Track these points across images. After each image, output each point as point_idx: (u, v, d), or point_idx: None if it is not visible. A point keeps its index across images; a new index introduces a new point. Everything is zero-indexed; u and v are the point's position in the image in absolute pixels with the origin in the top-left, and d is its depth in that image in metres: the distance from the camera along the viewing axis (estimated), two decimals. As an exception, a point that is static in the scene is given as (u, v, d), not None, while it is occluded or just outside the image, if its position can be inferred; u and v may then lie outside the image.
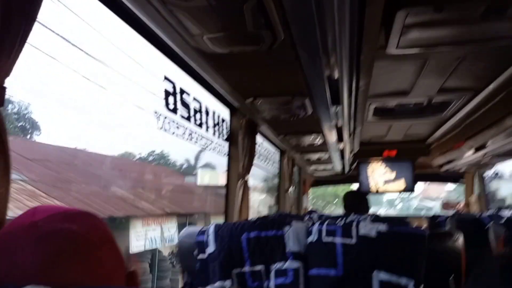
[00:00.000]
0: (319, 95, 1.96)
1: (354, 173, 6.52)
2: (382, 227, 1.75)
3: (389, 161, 6.38)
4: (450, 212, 6.95)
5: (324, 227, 1.83)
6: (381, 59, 2.47)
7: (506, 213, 3.79)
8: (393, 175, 6.49)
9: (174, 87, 4.43)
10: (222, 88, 2.13)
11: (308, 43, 1.38)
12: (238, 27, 1.31)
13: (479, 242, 3.32)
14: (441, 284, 1.77)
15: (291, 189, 5.13)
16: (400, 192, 6.67)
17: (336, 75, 1.76)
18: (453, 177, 6.65)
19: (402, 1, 1.73)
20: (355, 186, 6.75)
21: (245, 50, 1.51)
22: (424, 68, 2.82)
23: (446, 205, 7.33)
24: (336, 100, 2.07)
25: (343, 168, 5.53)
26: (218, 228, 1.92)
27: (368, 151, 6.01)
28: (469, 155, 4.64)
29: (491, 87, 3.13)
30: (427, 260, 1.67)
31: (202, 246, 1.90)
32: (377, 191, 6.75)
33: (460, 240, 1.75)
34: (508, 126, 3.14)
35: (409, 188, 6.52)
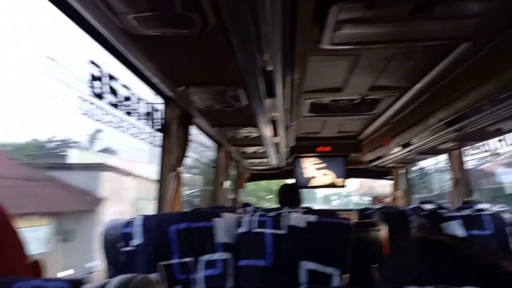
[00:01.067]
0: (253, 86, 1.94)
1: (290, 168, 6.64)
2: (312, 218, 1.77)
3: (323, 157, 6.56)
4: (379, 205, 7.34)
5: (255, 218, 1.82)
6: (316, 54, 2.51)
7: (427, 206, 4.04)
8: (327, 170, 6.69)
9: (100, 72, 4.16)
10: (153, 75, 2.04)
11: (240, 30, 1.34)
12: (166, 8, 1.24)
13: (402, 232, 3.52)
14: (367, 271, 1.83)
15: (227, 182, 5.10)
16: (333, 187, 6.89)
17: (270, 66, 1.74)
18: (381, 172, 6.98)
19: None
20: (290, 181, 6.86)
21: (175, 33, 1.44)
22: (357, 66, 2.90)
23: (376, 199, 7.72)
24: (271, 92, 2.06)
25: (279, 162, 5.59)
26: (146, 219, 1.84)
27: (303, 146, 6.14)
28: (396, 152, 4.89)
29: (418, 86, 3.31)
30: (353, 249, 1.71)
31: (128, 238, 1.81)
32: (312, 186, 6.93)
33: (383, 230, 1.82)
34: (431, 124, 3.33)
35: (342, 183, 6.77)
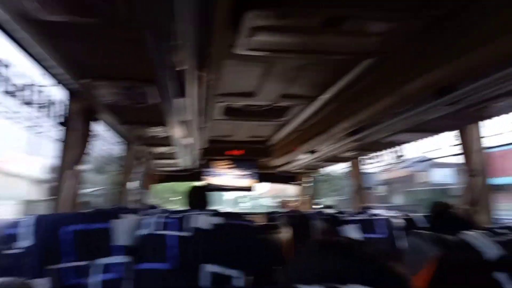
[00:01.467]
0: (165, 84, 1.88)
1: (200, 170, 6.59)
2: (217, 219, 1.76)
3: (234, 160, 6.62)
4: (286, 209, 7.58)
5: (159, 220, 1.76)
6: (230, 58, 2.51)
7: (328, 211, 4.27)
8: (237, 173, 6.75)
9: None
10: (56, 64, 1.87)
11: (153, 25, 1.28)
12: None
13: (305, 235, 3.67)
14: (270, 273, 1.86)
15: (134, 183, 4.89)
16: (243, 190, 6.98)
17: (183, 65, 1.70)
18: (289, 177, 7.24)
19: (251, 3, 1.78)
20: (200, 183, 6.81)
21: (80, 20, 1.33)
22: (269, 73, 2.98)
23: (283, 203, 7.98)
24: (183, 92, 2.01)
25: (190, 164, 5.51)
26: (39, 219, 1.67)
27: (215, 149, 6.14)
28: (303, 158, 5.10)
29: (325, 96, 3.48)
30: (257, 251, 1.73)
31: (12, 239, 1.63)
32: (222, 189, 6.95)
33: (286, 233, 1.87)
34: (335, 133, 3.53)
35: (252, 187, 6.89)
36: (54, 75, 2.12)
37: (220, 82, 3.17)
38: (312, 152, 4.57)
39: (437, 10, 1.91)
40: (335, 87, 3.17)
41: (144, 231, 1.73)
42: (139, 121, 2.85)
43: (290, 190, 8.11)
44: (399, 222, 2.93)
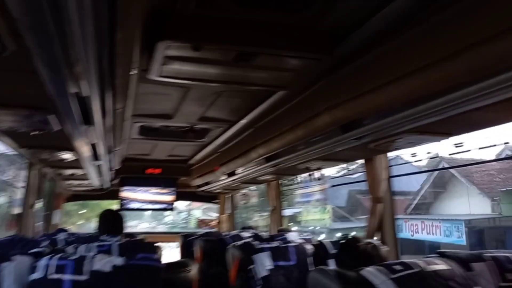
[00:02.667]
0: (66, 112, 1.75)
1: (116, 188, 6.29)
2: (118, 260, 1.65)
3: (154, 179, 6.42)
4: (205, 229, 7.49)
5: (53, 262, 1.61)
6: (145, 82, 2.44)
7: (245, 234, 4.27)
8: (157, 192, 6.55)
9: None
10: None
11: (47, 57, 1.18)
12: None
13: (220, 262, 3.63)
14: None
15: (38, 204, 4.50)
16: (162, 210, 6.79)
17: (86, 92, 1.59)
18: (210, 197, 7.18)
19: (163, 33, 1.74)
20: (115, 203, 6.51)
21: None
22: (187, 97, 2.94)
23: (201, 222, 7.86)
24: (88, 119, 1.90)
25: (103, 184, 5.24)
26: None
27: (132, 168, 5.92)
28: (222, 179, 5.08)
29: (243, 121, 3.52)
30: None
31: None
32: (139, 208, 6.70)
33: (193, 270, 1.81)
34: (252, 158, 3.57)
35: (170, 206, 6.72)
36: None
37: (136, 103, 3.06)
38: (231, 174, 4.57)
39: (345, 50, 2.01)
40: (251, 114, 3.21)
41: (36, 275, 1.57)
42: (41, 145, 2.64)
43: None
44: (310, 248, 3.00)
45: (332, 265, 2.34)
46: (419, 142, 2.64)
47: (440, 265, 1.59)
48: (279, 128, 2.89)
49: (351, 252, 1.90)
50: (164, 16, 1.74)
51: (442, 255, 1.77)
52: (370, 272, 1.54)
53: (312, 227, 19.88)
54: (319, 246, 3.06)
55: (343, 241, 2.01)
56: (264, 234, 4.56)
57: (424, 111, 1.80)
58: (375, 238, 3.12)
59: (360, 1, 1.68)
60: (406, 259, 1.70)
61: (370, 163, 3.20)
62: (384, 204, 3.21)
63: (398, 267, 1.55)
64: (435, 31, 1.52)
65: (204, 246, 4.24)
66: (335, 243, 2.78)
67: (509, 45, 1.22)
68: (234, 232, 5.12)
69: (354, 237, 2.00)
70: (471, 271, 1.72)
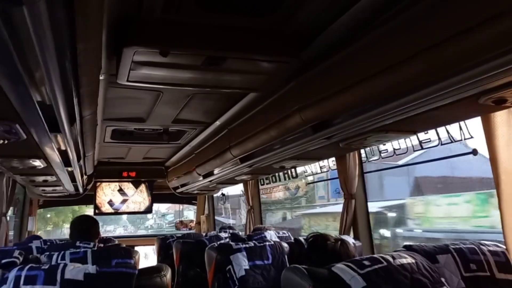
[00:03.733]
0: (31, 120, 1.72)
1: (91, 193, 6.19)
2: (91, 268, 1.65)
3: (129, 182, 6.35)
4: (183, 231, 7.46)
5: (24, 272, 1.59)
6: (115, 86, 2.42)
7: (223, 235, 4.29)
8: (132, 195, 6.48)
9: None
10: None
11: (6, 72, 1.17)
12: None
13: (199, 264, 3.64)
14: None
15: (9, 212, 4.40)
16: (139, 213, 6.72)
17: (50, 101, 1.58)
18: (188, 198, 7.15)
19: (130, 39, 1.74)
20: (89, 210, 6.41)
21: None
22: (159, 100, 2.93)
23: (179, 224, 7.81)
24: (55, 126, 1.87)
25: (77, 189, 5.15)
26: None
27: (106, 171, 5.85)
28: (199, 180, 5.07)
29: (217, 123, 3.53)
30: None
31: None
32: (116, 212, 6.61)
33: (168, 275, 1.82)
34: (228, 159, 3.58)
35: (148, 209, 6.65)
36: None
37: (106, 108, 3.03)
38: (207, 175, 4.58)
39: (312, 52, 2.05)
40: (225, 116, 3.23)
41: (5, 287, 1.55)
42: (8, 154, 2.58)
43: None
44: (286, 246, 3.04)
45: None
46: (386, 140, 2.71)
47: (407, 259, 1.65)
48: (253, 129, 2.92)
49: (320, 250, 1.94)
50: (130, 22, 1.73)
51: (409, 249, 1.84)
52: (340, 268, 1.59)
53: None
54: (295, 244, 3.11)
55: (311, 239, 2.05)
56: (242, 234, 4.59)
57: (389, 110, 1.85)
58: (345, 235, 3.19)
59: (325, 4, 1.72)
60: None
61: (342, 161, 3.27)
62: (357, 200, 3.28)
63: (366, 262, 1.60)
64: (397, 32, 1.57)
65: (182, 248, 4.24)
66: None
67: (464, 46, 1.28)
68: (213, 232, 5.13)
69: (322, 235, 2.04)
70: (437, 263, 1.79)
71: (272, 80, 2.29)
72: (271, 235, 3.78)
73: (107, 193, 6.33)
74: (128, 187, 6.39)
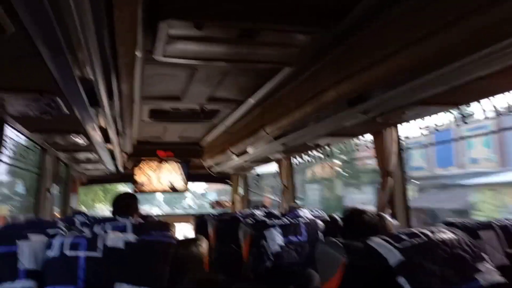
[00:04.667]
0: (73, 95, 1.78)
1: (130, 172, 6.38)
2: (131, 237, 1.70)
3: (166, 161, 6.49)
4: (219, 210, 7.58)
5: (68, 240, 1.67)
6: (151, 63, 2.45)
7: (258, 212, 4.32)
8: (169, 174, 6.63)
9: None
10: None
11: (47, 39, 1.21)
12: None
13: (234, 241, 3.69)
14: None
15: (54, 188, 4.61)
16: (175, 191, 6.87)
17: (90, 75, 1.62)
18: (222, 178, 7.24)
19: (164, 13, 1.75)
20: (129, 187, 6.61)
21: None
22: (194, 77, 2.95)
23: (215, 203, 7.93)
24: (95, 101, 1.93)
25: (117, 167, 5.33)
26: None
27: (144, 151, 5.99)
28: (234, 159, 5.12)
29: (251, 100, 3.52)
30: (173, 267, 1.70)
31: None
32: (153, 190, 6.79)
33: (203, 245, 1.85)
34: (261, 136, 3.58)
35: (184, 188, 6.80)
36: None
37: (143, 86, 3.09)
38: (241, 154, 4.60)
39: (347, 23, 1.99)
40: (259, 93, 3.21)
41: (51, 253, 1.63)
42: (52, 129, 2.69)
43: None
44: (321, 224, 3.03)
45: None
46: (427, 114, 2.61)
47: (447, 234, 1.60)
48: (287, 106, 2.89)
49: (356, 224, 1.91)
50: None
51: (450, 224, 1.78)
52: (376, 241, 1.56)
53: None
54: (330, 221, 3.09)
55: (348, 212, 2.03)
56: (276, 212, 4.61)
57: (428, 81, 1.78)
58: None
59: None
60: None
61: (379, 137, 3.19)
62: (395, 178, 3.21)
63: (404, 236, 1.56)
64: None
65: (217, 225, 4.31)
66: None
67: (507, 11, 1.20)
68: (247, 210, 5.18)
69: (358, 209, 2.01)
70: (478, 239, 1.73)
71: (306, 53, 2.25)
72: (305, 214, 3.77)
73: (144, 172, 6.49)
74: (165, 166, 6.54)
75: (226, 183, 7.57)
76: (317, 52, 2.24)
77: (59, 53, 1.32)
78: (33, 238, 1.66)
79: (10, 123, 2.58)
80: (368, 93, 2.19)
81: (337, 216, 3.05)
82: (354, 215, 1.97)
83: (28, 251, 1.62)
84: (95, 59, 1.44)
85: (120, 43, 1.50)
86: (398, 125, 3.15)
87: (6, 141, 2.67)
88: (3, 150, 2.65)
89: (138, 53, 2.08)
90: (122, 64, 1.72)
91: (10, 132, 2.82)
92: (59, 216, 4.78)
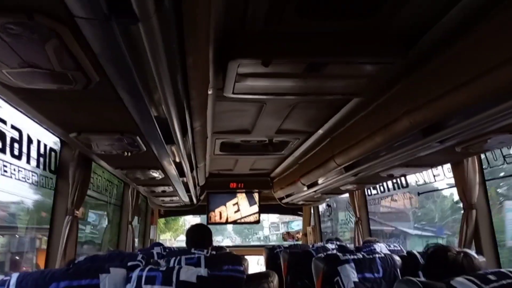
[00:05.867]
0: (150, 133, 1.91)
1: (203, 204, 6.57)
2: (203, 271, 1.74)
3: (237, 193, 6.61)
4: (290, 242, 7.49)
5: (145, 273, 1.74)
6: (221, 100, 2.55)
7: (330, 246, 4.20)
8: (240, 206, 6.72)
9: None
10: (42, 122, 1.94)
11: (127, 85, 1.32)
12: (43, 66, 1.18)
13: (306, 276, 3.61)
14: None
15: (135, 221, 4.88)
16: (246, 223, 6.93)
17: (165, 115, 1.73)
18: (293, 209, 7.19)
19: (234, 53, 1.82)
20: (202, 219, 6.79)
21: (58, 88, 1.38)
22: (262, 111, 3.01)
23: (286, 235, 7.86)
24: (170, 139, 2.04)
25: (191, 199, 5.52)
26: (21, 278, 1.66)
27: (216, 183, 6.16)
28: (304, 190, 5.07)
29: (319, 132, 3.51)
30: None
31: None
32: (225, 222, 6.91)
33: (275, 282, 1.83)
34: (331, 168, 3.52)
35: (256, 219, 6.84)
36: (46, 129, 2.17)
37: (215, 121, 3.21)
38: (311, 185, 4.55)
39: (420, 50, 1.93)
40: (328, 124, 3.19)
41: (129, 286, 1.71)
42: (132, 166, 2.89)
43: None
44: (398, 260, 2.86)
45: (422, 277, 2.22)
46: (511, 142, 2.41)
47: (545, 276, 1.43)
48: (357, 136, 2.83)
49: (440, 263, 1.78)
50: (234, 36, 1.82)
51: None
52: (460, 282, 1.44)
53: None
54: (409, 257, 2.91)
55: (431, 250, 1.89)
56: (350, 246, 4.45)
57: (513, 107, 1.65)
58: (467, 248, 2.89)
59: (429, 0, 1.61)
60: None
61: (459, 167, 2.99)
62: (479, 210, 2.96)
63: (492, 277, 1.42)
64: None
65: (289, 258, 4.25)
66: (425, 254, 2.63)
67: None
68: (320, 244, 5.06)
69: (443, 246, 1.87)
70: None
71: (376, 83, 2.20)
72: (381, 248, 3.59)
73: (217, 203, 6.65)
74: (236, 197, 6.65)
75: (297, 214, 7.49)
76: (387, 80, 2.18)
77: (138, 97, 1.43)
78: (113, 271, 1.76)
79: (96, 161, 2.80)
80: (445, 121, 2.07)
81: (416, 252, 2.87)
82: (437, 253, 1.84)
83: (109, 284, 1.71)
84: (170, 100, 1.53)
85: (193, 85, 1.59)
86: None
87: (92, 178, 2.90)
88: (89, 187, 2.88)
89: (210, 92, 2.18)
90: (195, 103, 1.81)
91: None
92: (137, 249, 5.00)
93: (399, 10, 1.71)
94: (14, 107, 1.77)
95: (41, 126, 2.15)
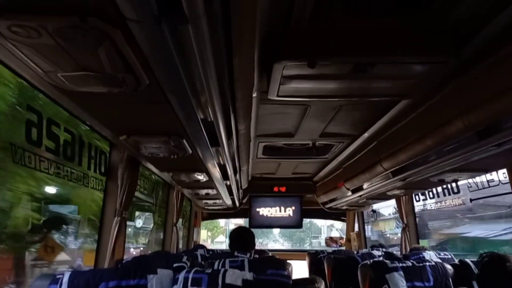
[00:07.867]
0: (196, 136, 1.93)
1: (245, 207, 6.59)
2: (248, 275, 1.73)
3: (279, 197, 6.56)
4: (333, 247, 7.35)
5: (191, 275, 1.76)
6: (265, 103, 2.54)
7: (376, 253, 4.07)
8: (282, 210, 6.68)
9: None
10: (94, 124, 2.02)
11: (175, 87, 1.34)
12: (95, 69, 1.23)
13: (351, 282, 3.51)
14: None
15: (179, 222, 4.97)
16: (288, 227, 6.88)
17: (211, 117, 1.74)
18: (336, 214, 7.05)
19: (279, 54, 1.81)
20: (245, 221, 6.81)
21: (109, 91, 1.42)
22: (306, 114, 2.97)
23: (329, 240, 7.71)
24: (215, 141, 2.06)
25: (234, 202, 5.55)
26: (74, 276, 1.72)
27: (259, 186, 6.16)
28: (348, 195, 4.96)
29: (365, 135, 3.41)
30: None
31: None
32: (267, 226, 6.89)
33: (321, 286, 1.79)
34: (378, 173, 3.42)
35: (298, 223, 6.76)
36: (96, 131, 2.26)
37: (259, 124, 3.21)
38: (356, 190, 4.44)
39: (474, 48, 1.83)
40: (374, 127, 3.10)
41: (176, 287, 1.74)
42: (178, 168, 2.94)
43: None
44: (450, 268, 2.73)
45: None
46: None
47: None
48: (405, 139, 2.73)
49: (496, 272, 1.67)
50: (279, 37, 1.80)
51: None
52: None
53: None
54: (461, 266, 2.77)
55: (486, 259, 1.78)
56: (396, 254, 4.29)
57: None
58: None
59: None
60: None
61: (516, 172, 2.81)
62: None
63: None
64: None
65: (333, 264, 4.17)
66: (478, 263, 2.49)
67: None
68: (365, 250, 4.93)
69: (499, 255, 1.76)
70: None
71: (425, 84, 2.11)
72: (431, 256, 3.44)
73: (259, 207, 6.64)
74: (278, 201, 6.61)
75: (341, 219, 7.34)
76: (439, 81, 2.08)
77: (185, 99, 1.45)
78: (160, 272, 1.79)
79: (144, 164, 2.88)
80: (502, 123, 1.95)
81: (469, 261, 2.72)
82: (494, 262, 1.73)
83: (156, 285, 1.73)
84: (216, 102, 1.54)
85: (239, 87, 1.59)
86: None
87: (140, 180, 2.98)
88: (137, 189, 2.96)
89: (254, 95, 2.18)
90: (240, 105, 1.81)
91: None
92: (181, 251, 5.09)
93: (452, 5, 1.63)
94: (67, 110, 1.84)
95: (92, 129, 2.23)
